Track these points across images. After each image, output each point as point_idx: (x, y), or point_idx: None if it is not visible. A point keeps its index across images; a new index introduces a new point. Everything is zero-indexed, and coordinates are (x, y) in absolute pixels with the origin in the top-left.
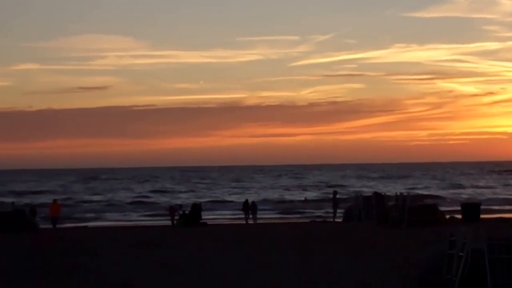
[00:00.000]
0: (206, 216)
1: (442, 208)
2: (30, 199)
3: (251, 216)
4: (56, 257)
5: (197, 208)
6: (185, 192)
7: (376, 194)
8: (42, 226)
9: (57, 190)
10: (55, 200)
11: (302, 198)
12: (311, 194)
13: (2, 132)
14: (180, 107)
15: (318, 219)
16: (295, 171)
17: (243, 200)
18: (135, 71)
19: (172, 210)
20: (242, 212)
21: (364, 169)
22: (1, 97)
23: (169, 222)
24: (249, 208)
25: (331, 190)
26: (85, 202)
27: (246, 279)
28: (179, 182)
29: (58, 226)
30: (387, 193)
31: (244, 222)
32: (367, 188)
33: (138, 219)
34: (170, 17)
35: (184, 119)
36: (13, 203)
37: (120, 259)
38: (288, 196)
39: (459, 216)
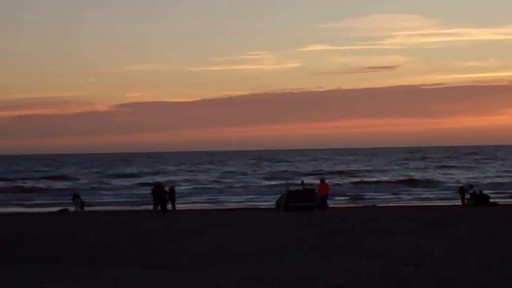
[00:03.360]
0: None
1: None
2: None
3: None
4: (344, 236)
5: None
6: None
7: None
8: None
9: (365, 170)
10: (322, 180)
11: None
12: None
13: (293, 112)
14: (470, 85)
15: None
16: None
17: None
18: (424, 50)
19: (462, 190)
20: None
21: None
22: (291, 78)
23: (459, 202)
24: None
25: None
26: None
27: None
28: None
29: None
30: None
31: None
32: None
33: (427, 198)
34: None
35: (473, 98)
36: (302, 181)
37: (411, 238)
38: None
39: None
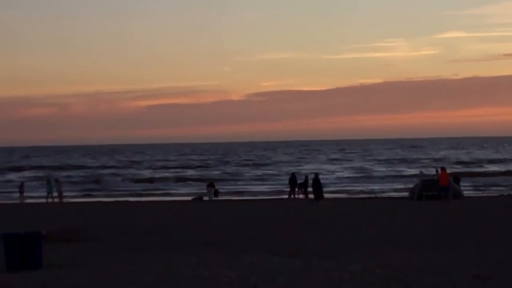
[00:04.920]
0: None
1: None
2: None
3: None
4: (479, 225)
5: None
6: None
7: None
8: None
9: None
10: (443, 168)
11: None
12: None
13: (428, 100)
14: None
15: None
16: None
17: None
18: None
19: None
20: None
21: None
22: (426, 66)
23: None
24: None
25: None
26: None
27: None
28: None
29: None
30: None
31: None
32: None
33: None
34: None
35: None
36: (437, 170)
37: None
38: None
39: None
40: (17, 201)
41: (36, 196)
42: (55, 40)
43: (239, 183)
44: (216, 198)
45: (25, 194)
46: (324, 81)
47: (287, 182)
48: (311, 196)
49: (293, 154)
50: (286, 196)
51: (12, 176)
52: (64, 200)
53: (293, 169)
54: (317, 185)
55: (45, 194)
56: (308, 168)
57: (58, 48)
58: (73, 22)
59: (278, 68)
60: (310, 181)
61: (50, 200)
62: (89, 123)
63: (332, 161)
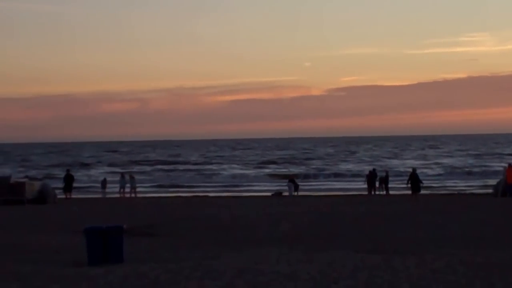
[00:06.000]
0: None
1: None
2: None
3: None
4: None
5: None
6: None
7: None
8: None
9: None
10: (510, 165)
11: None
12: None
13: None
14: None
15: None
16: None
17: None
18: None
19: None
20: None
21: None
22: (511, 60)
23: None
24: None
25: None
26: None
27: None
28: None
29: None
30: None
31: None
32: None
33: None
34: None
35: None
36: (504, 167)
37: None
38: None
39: None
40: (100, 196)
41: (117, 191)
42: (137, 36)
43: (320, 178)
44: (296, 194)
45: (108, 189)
46: (406, 76)
47: (365, 178)
48: (394, 192)
49: (375, 149)
50: (367, 193)
51: (94, 171)
52: (138, 195)
53: (374, 165)
54: (415, 179)
55: (124, 189)
56: (393, 164)
57: (140, 44)
58: (155, 19)
59: (359, 63)
60: (409, 177)
61: (123, 195)
62: (170, 118)
63: (417, 156)
